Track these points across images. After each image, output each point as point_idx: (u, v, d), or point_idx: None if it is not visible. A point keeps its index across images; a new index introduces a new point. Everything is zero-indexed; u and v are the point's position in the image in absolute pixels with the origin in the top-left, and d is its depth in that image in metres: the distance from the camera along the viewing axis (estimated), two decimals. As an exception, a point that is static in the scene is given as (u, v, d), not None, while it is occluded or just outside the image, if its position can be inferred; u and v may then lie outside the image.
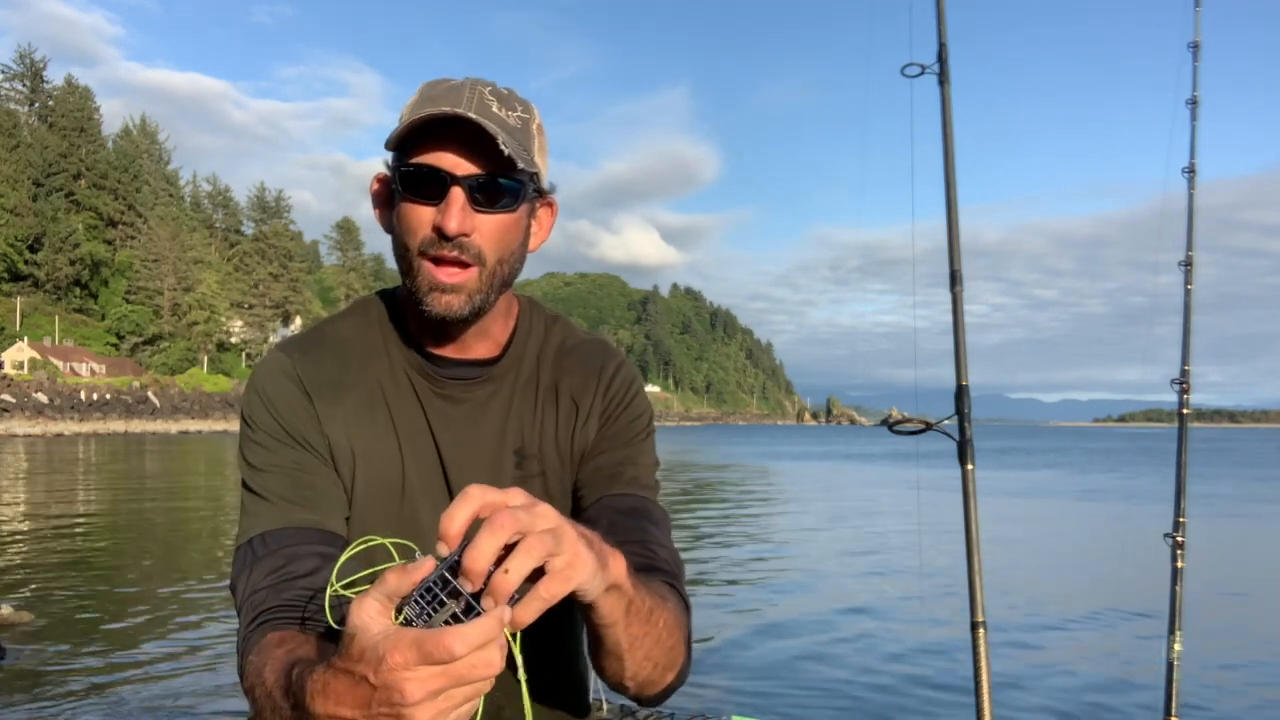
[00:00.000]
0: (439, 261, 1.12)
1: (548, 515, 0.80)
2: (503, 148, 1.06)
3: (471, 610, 0.73)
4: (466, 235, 1.10)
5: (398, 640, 0.71)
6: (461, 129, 1.08)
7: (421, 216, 1.11)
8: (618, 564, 0.93)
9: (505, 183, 1.11)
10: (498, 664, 0.72)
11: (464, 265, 1.12)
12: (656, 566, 1.17)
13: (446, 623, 0.73)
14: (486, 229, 1.12)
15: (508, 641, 0.76)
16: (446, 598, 0.73)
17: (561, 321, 1.35)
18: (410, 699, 0.71)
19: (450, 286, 1.12)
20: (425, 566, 0.74)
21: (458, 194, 1.10)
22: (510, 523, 0.75)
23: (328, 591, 0.86)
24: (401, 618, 0.74)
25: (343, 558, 0.88)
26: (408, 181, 1.11)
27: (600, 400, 1.29)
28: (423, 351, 1.23)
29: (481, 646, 0.71)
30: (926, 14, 2.23)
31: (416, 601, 0.73)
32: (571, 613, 1.31)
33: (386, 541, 0.90)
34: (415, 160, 1.11)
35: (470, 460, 1.23)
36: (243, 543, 1.14)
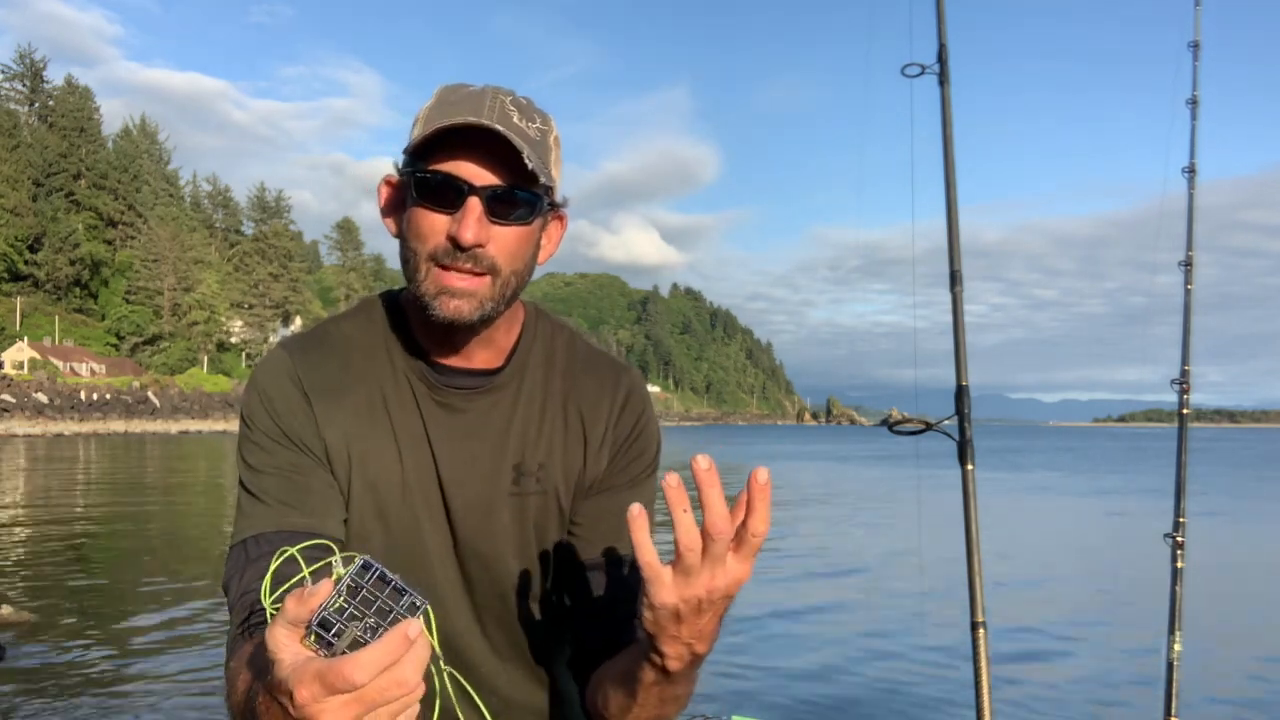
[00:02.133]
0: (450, 269, 1.11)
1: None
2: (527, 162, 1.06)
3: (381, 627, 0.70)
4: (481, 246, 1.09)
5: (302, 675, 0.69)
6: (483, 139, 1.07)
7: (435, 224, 1.10)
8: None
9: (523, 195, 1.10)
10: (411, 682, 0.69)
11: (476, 275, 1.11)
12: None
13: (355, 643, 0.70)
14: (501, 240, 1.11)
15: (433, 649, 0.73)
16: (345, 622, 0.70)
17: (568, 330, 1.33)
18: None
19: (460, 291, 1.10)
20: (322, 591, 0.71)
21: (475, 204, 1.08)
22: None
23: (267, 609, 0.85)
24: (308, 643, 0.72)
25: (271, 569, 0.88)
26: (423, 188, 1.10)
27: (612, 430, 1.27)
28: (424, 357, 1.22)
29: (386, 669, 0.68)
30: (926, 14, 2.23)
31: (317, 628, 0.71)
32: (566, 629, 1.31)
33: (295, 550, 0.88)
34: (433, 167, 1.09)
35: (467, 474, 1.21)
36: (236, 543, 1.13)
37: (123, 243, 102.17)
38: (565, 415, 1.26)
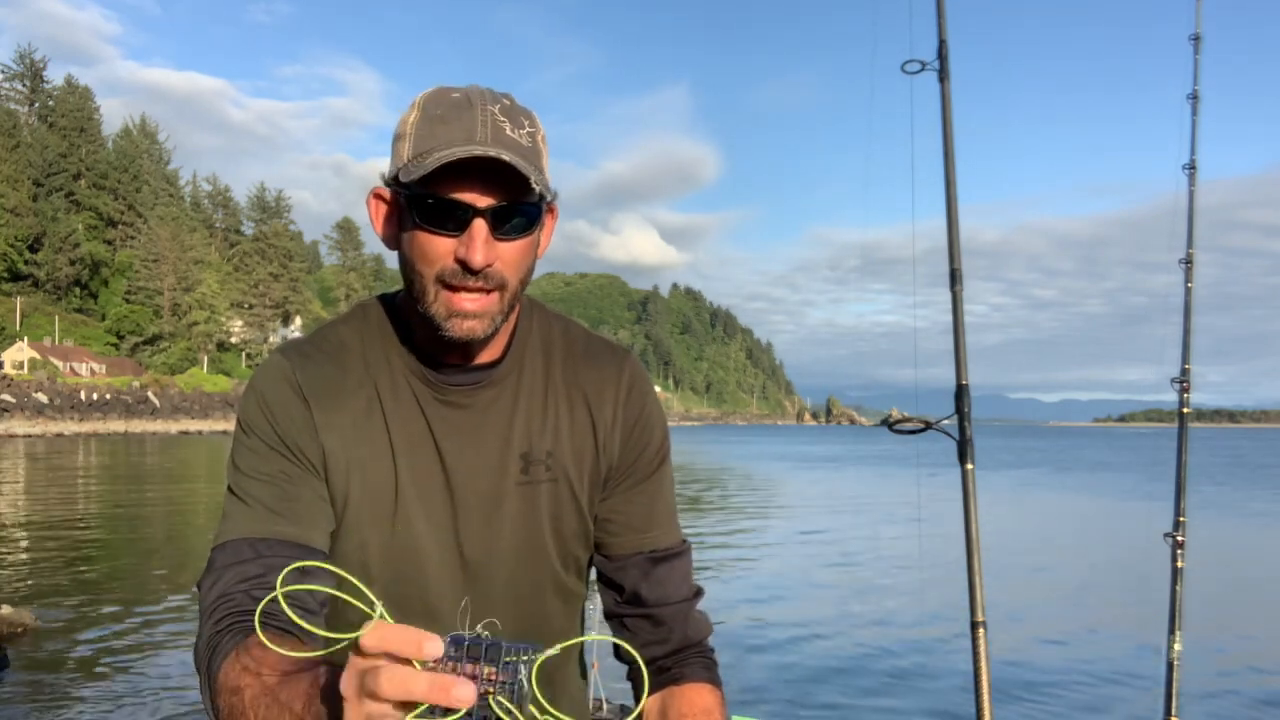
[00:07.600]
0: (460, 290, 1.10)
1: None
2: (535, 186, 1.05)
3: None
4: (490, 266, 1.09)
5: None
6: (483, 159, 1.05)
7: (440, 247, 1.09)
8: None
9: (525, 208, 1.10)
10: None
11: (486, 292, 1.11)
12: (694, 643, 1.28)
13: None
14: (507, 256, 1.11)
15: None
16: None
17: (563, 319, 1.33)
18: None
19: (473, 313, 1.10)
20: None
21: (481, 227, 1.07)
22: None
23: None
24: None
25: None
26: (425, 212, 1.08)
27: (621, 414, 1.27)
28: (423, 357, 1.21)
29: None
30: (927, 10, 2.23)
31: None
32: (575, 621, 1.32)
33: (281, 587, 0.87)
34: (434, 190, 1.07)
35: (474, 467, 1.21)
36: (217, 545, 1.12)
37: (123, 243, 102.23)
38: (570, 402, 1.27)
